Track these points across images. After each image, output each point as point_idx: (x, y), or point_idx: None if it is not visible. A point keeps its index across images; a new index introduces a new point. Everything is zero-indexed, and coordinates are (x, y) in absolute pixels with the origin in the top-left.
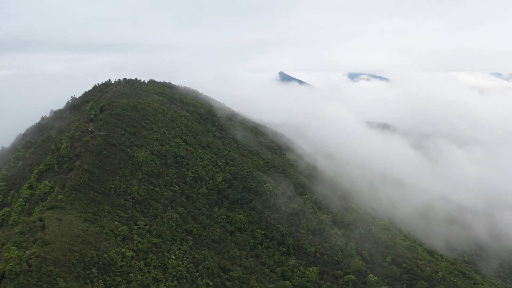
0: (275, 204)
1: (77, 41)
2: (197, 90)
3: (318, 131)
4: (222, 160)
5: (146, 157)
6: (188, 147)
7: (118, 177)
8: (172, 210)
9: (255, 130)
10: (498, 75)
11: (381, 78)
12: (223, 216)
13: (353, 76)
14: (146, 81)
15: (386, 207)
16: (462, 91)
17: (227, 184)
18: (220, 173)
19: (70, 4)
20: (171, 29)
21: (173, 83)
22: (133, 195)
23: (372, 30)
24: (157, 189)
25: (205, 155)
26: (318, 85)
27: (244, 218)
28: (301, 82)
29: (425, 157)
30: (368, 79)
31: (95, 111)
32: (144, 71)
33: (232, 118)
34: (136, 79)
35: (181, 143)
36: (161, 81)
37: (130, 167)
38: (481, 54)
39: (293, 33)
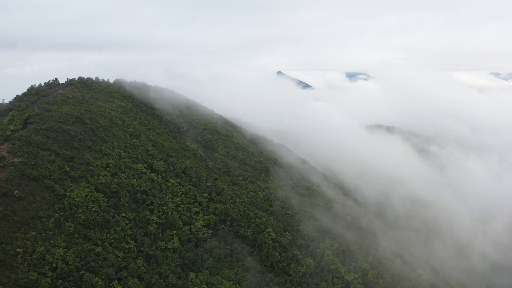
0: (280, 260)
1: (70, 39)
2: (189, 91)
3: (318, 137)
4: (204, 194)
5: (86, 196)
6: (154, 176)
7: (33, 233)
8: (120, 286)
9: (252, 144)
10: (497, 74)
11: (379, 78)
12: (203, 286)
13: (351, 76)
14: (111, 81)
15: (419, 244)
16: (462, 91)
17: (210, 231)
18: (201, 215)
19: (63, 1)
20: (168, 27)
21: (166, 84)
22: (55, 264)
23: (371, 29)
24: (99, 249)
25: (180, 187)
26: (316, 84)
27: (235, 287)
28: (299, 81)
29: (432, 164)
30: (366, 79)
31: (15, 125)
32: (139, 70)
33: (221, 131)
34: (97, 78)
35: (144, 170)
36: (133, 80)
37: (57, 215)
38: (480, 53)
39: (292, 32)
